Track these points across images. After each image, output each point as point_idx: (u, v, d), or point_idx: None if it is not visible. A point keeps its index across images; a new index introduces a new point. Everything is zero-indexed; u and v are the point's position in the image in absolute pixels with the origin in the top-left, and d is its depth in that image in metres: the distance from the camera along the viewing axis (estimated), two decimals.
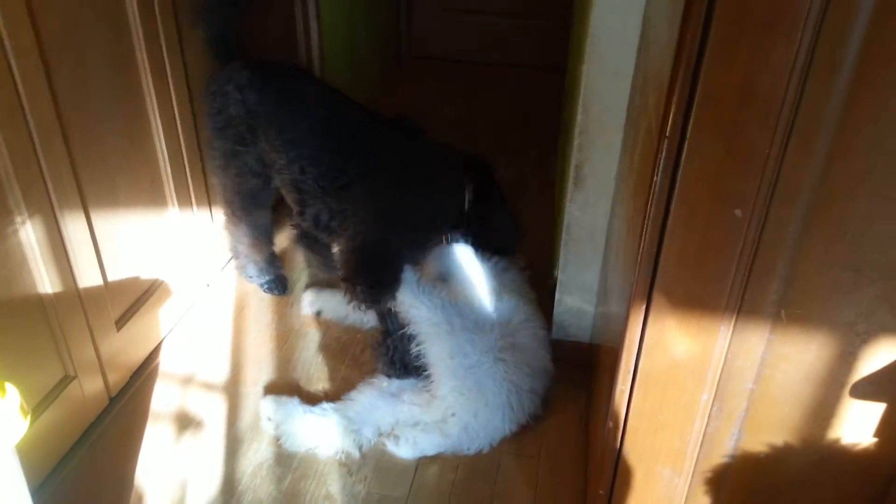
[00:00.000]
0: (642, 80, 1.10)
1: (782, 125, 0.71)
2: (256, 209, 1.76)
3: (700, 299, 0.83)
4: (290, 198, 1.66)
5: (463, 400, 1.43)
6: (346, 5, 2.70)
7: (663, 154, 0.77)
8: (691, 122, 0.74)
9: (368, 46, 3.00)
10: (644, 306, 0.86)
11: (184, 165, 1.72)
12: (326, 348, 1.71)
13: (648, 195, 0.81)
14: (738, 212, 0.76)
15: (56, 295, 1.33)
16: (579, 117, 1.34)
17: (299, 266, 2.02)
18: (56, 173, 1.31)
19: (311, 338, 1.75)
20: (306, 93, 1.63)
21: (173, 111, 1.65)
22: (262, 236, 1.84)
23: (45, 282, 1.31)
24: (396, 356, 1.59)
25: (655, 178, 0.79)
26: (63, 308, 1.36)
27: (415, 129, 1.60)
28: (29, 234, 1.26)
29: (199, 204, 1.81)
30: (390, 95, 3.10)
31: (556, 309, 1.58)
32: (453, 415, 1.43)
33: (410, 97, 3.14)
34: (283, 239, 2.08)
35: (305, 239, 1.87)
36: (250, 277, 1.91)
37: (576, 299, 1.55)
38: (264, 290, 1.91)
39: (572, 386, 1.58)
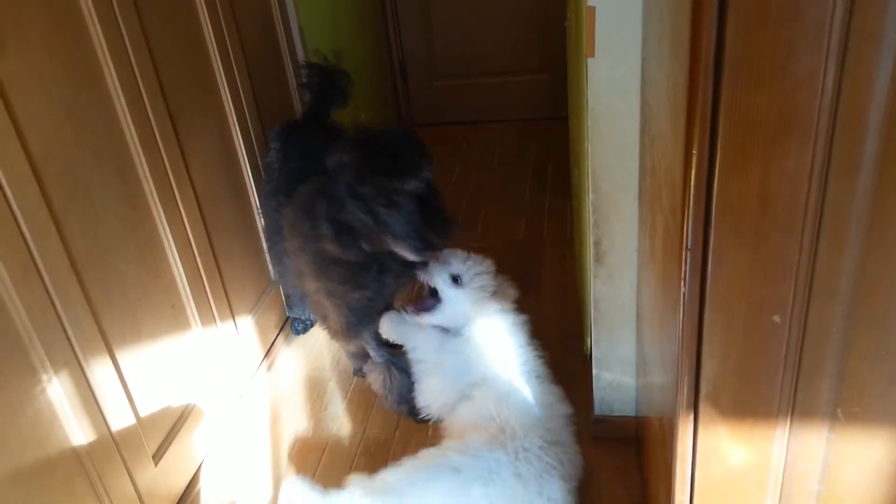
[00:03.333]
0: (650, 164, 1.07)
1: (809, 228, 0.68)
2: None
3: (750, 405, 0.79)
4: None
5: None
6: None
7: (688, 266, 0.74)
8: (712, 233, 0.71)
9: (372, 122, 3.03)
10: (692, 416, 0.82)
11: (203, 284, 1.72)
12: (367, 453, 1.67)
13: (677, 304, 0.78)
14: (776, 318, 0.73)
15: (90, 444, 1.32)
16: (591, 195, 1.32)
17: (329, 364, 2.00)
18: (76, 322, 1.30)
19: (351, 442, 1.72)
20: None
21: (186, 233, 1.65)
22: None
23: (78, 433, 1.30)
24: (395, 389, 1.66)
25: (683, 288, 0.76)
26: (99, 455, 1.34)
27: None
28: (56, 389, 1.25)
29: (221, 318, 1.80)
30: None
31: (596, 385, 1.53)
32: None
33: None
34: None
35: None
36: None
37: (615, 374, 1.50)
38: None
39: (623, 466, 1.52)
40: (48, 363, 1.23)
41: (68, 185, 1.31)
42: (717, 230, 0.71)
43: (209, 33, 1.79)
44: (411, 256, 1.43)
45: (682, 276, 0.76)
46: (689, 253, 0.74)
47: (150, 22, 1.53)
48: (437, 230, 1.45)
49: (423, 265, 1.55)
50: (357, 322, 1.63)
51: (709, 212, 0.71)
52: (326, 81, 1.91)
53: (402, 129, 1.49)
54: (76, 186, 1.33)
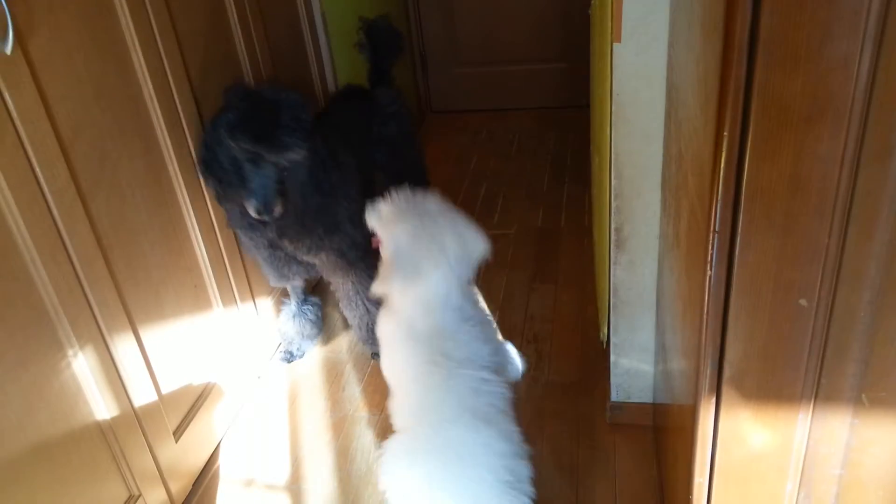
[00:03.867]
0: (676, 150, 1.07)
1: (839, 213, 0.68)
2: None
3: (774, 389, 0.79)
4: None
5: None
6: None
7: (715, 249, 0.74)
8: (741, 216, 0.71)
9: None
10: (714, 399, 0.82)
11: (224, 265, 1.74)
12: (383, 434, 1.69)
13: (703, 288, 0.78)
14: (802, 301, 0.73)
15: (114, 419, 1.34)
16: (613, 181, 1.32)
17: (344, 346, 2.02)
18: (102, 299, 1.32)
19: (367, 423, 1.74)
20: None
21: (209, 215, 1.67)
22: None
23: (102, 408, 1.32)
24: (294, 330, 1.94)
25: (710, 272, 0.76)
26: (122, 430, 1.37)
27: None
28: (81, 364, 1.27)
29: (242, 298, 1.82)
30: None
31: (614, 371, 1.53)
32: None
33: (437, 152, 3.16)
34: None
35: None
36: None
37: (632, 360, 1.51)
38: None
39: (639, 452, 1.53)
40: (74, 338, 1.25)
41: (96, 166, 1.32)
42: (746, 213, 0.71)
43: (234, 18, 1.80)
44: (252, 213, 1.52)
45: (709, 260, 0.76)
46: (716, 236, 0.74)
47: (177, 7, 1.54)
48: (291, 201, 1.54)
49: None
50: (272, 274, 1.81)
51: (738, 194, 0.71)
52: (375, 36, 2.01)
53: (297, 100, 1.51)
54: (103, 167, 1.35)
